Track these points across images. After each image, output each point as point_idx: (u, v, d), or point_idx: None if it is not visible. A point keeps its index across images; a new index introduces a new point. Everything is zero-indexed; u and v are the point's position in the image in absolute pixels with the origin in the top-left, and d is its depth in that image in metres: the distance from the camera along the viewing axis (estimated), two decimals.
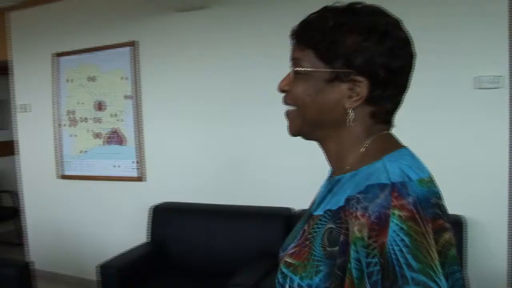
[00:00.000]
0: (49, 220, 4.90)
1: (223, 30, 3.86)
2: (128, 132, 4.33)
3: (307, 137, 1.01)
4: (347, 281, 0.82)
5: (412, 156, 0.92)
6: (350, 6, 0.94)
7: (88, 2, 4.46)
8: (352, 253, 0.81)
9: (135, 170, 4.32)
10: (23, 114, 5.02)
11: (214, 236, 3.69)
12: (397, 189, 0.81)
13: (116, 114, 4.36)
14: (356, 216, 0.83)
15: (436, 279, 0.76)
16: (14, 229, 6.21)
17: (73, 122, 4.62)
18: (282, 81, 0.98)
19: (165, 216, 3.94)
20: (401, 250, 0.76)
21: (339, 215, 0.88)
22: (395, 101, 0.94)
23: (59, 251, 4.84)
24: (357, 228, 0.81)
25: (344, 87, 0.91)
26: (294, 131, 1.01)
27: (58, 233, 4.84)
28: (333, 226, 0.89)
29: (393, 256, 0.76)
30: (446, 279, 0.78)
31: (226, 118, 3.90)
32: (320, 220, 0.93)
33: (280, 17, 3.46)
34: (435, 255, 0.77)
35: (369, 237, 0.79)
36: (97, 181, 4.51)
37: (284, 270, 0.94)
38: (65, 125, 4.68)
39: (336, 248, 0.86)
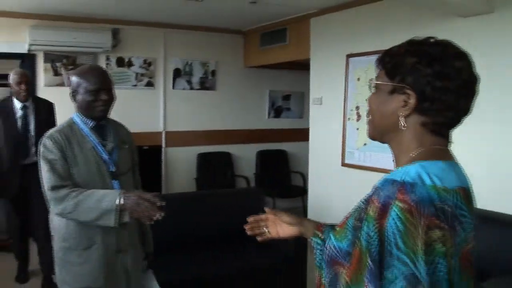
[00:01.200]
0: (326, 200, 5.51)
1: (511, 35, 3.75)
2: None
3: (379, 140, 1.27)
4: (357, 248, 1.10)
5: (449, 169, 1.11)
6: (424, 39, 1.17)
7: (376, 9, 4.79)
8: (365, 227, 1.08)
9: None
10: (316, 106, 5.70)
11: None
12: (405, 187, 1.04)
13: None
14: (372, 201, 1.10)
15: (415, 261, 0.97)
16: (302, 206, 7.05)
17: (358, 117, 5.07)
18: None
19: None
20: (394, 233, 1.00)
21: (368, 200, 1.15)
22: (445, 116, 1.13)
23: None
24: (371, 209, 1.08)
25: (400, 98, 1.15)
26: (369, 135, 1.29)
27: (329, 212, 5.39)
28: (363, 207, 1.16)
29: (388, 236, 1.01)
30: (426, 264, 0.97)
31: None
32: (362, 202, 1.20)
33: None
34: (420, 243, 0.97)
35: (375, 218, 1.05)
36: (373, 172, 4.86)
37: (331, 233, 1.26)
38: (350, 118, 5.17)
39: (359, 224, 1.13)
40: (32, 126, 4.45)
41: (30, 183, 4.27)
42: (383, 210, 1.04)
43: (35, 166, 4.31)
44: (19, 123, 4.41)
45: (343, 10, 5.20)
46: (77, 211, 2.18)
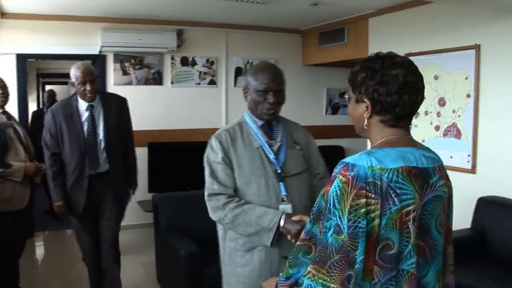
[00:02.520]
0: None
1: None
2: (465, 127, 4.61)
3: (361, 136, 1.61)
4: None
5: (396, 153, 1.41)
6: (374, 55, 1.52)
7: (435, 10, 4.82)
8: (321, 191, 1.46)
9: (469, 162, 4.58)
10: None
11: None
12: (347, 166, 1.38)
13: (454, 110, 4.70)
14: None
15: (342, 216, 1.34)
16: None
17: (416, 114, 5.10)
18: None
19: (489, 208, 4.10)
20: (333, 196, 1.37)
21: None
22: (394, 113, 1.47)
23: None
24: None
25: (363, 105, 1.51)
26: (356, 132, 1.62)
27: None
28: None
29: (329, 197, 1.39)
30: (349, 221, 1.33)
31: None
32: None
33: None
34: (347, 205, 1.34)
35: (323, 187, 1.45)
36: None
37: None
38: None
39: None
40: (101, 130, 3.78)
41: (100, 196, 3.83)
42: (331, 181, 1.41)
43: (105, 176, 3.80)
44: (86, 127, 3.74)
45: (400, 11, 5.27)
46: (235, 223, 2.19)
